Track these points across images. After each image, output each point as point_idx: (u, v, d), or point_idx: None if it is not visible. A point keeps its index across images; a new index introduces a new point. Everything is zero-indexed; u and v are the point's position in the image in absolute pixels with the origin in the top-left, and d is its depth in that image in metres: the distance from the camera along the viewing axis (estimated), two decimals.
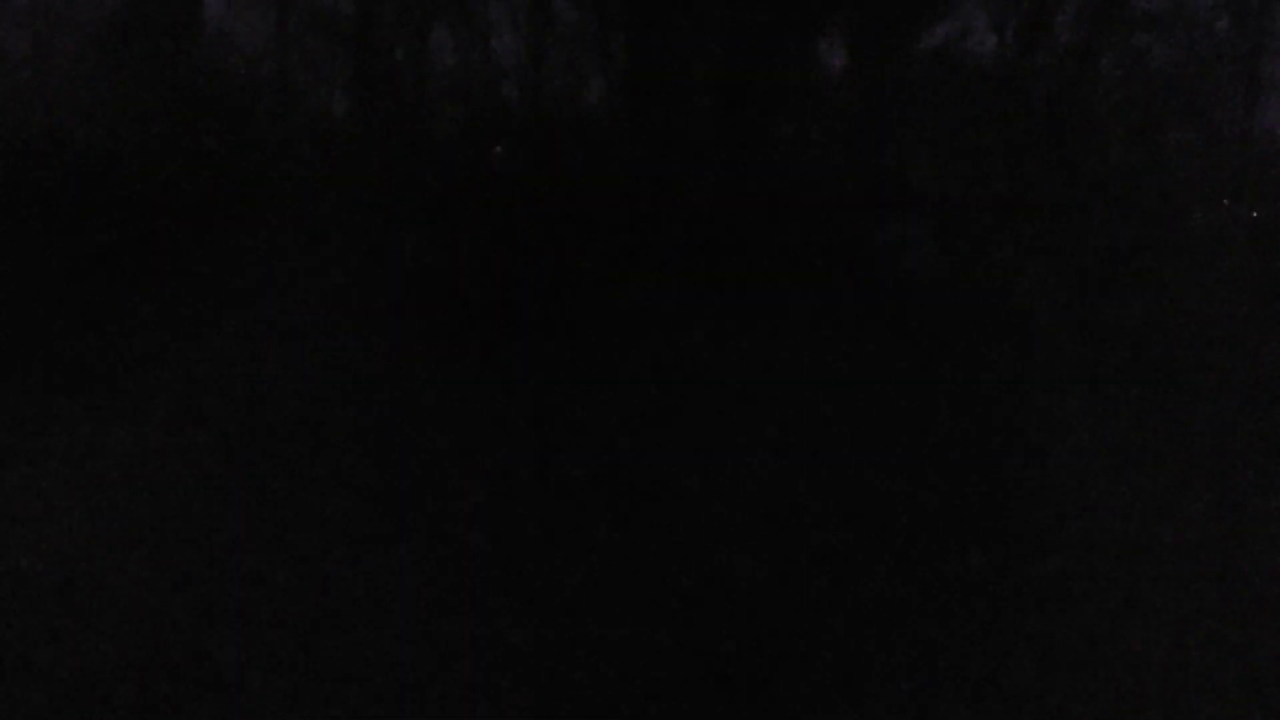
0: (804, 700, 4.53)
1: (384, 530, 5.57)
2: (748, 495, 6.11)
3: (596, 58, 9.96)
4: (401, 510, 5.79)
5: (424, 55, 10.28)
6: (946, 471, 6.33)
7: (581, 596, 5.15)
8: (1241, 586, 5.24)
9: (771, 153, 9.34)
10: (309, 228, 8.56)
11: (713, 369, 7.29)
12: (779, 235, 8.71)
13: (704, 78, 9.31)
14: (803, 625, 5.01)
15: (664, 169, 8.96)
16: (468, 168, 9.76)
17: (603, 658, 4.70)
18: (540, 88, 10.31)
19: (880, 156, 9.29)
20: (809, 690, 4.60)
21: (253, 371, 7.02)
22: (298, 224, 8.57)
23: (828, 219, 9.13)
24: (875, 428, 6.72)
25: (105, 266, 7.96)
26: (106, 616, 4.76)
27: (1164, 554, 5.62)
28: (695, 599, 5.16)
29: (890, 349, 7.27)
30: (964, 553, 5.57)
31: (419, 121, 10.19)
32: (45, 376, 6.89)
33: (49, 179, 8.29)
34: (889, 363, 7.25)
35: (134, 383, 6.91)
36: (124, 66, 9.38)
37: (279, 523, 5.59)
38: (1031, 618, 5.10)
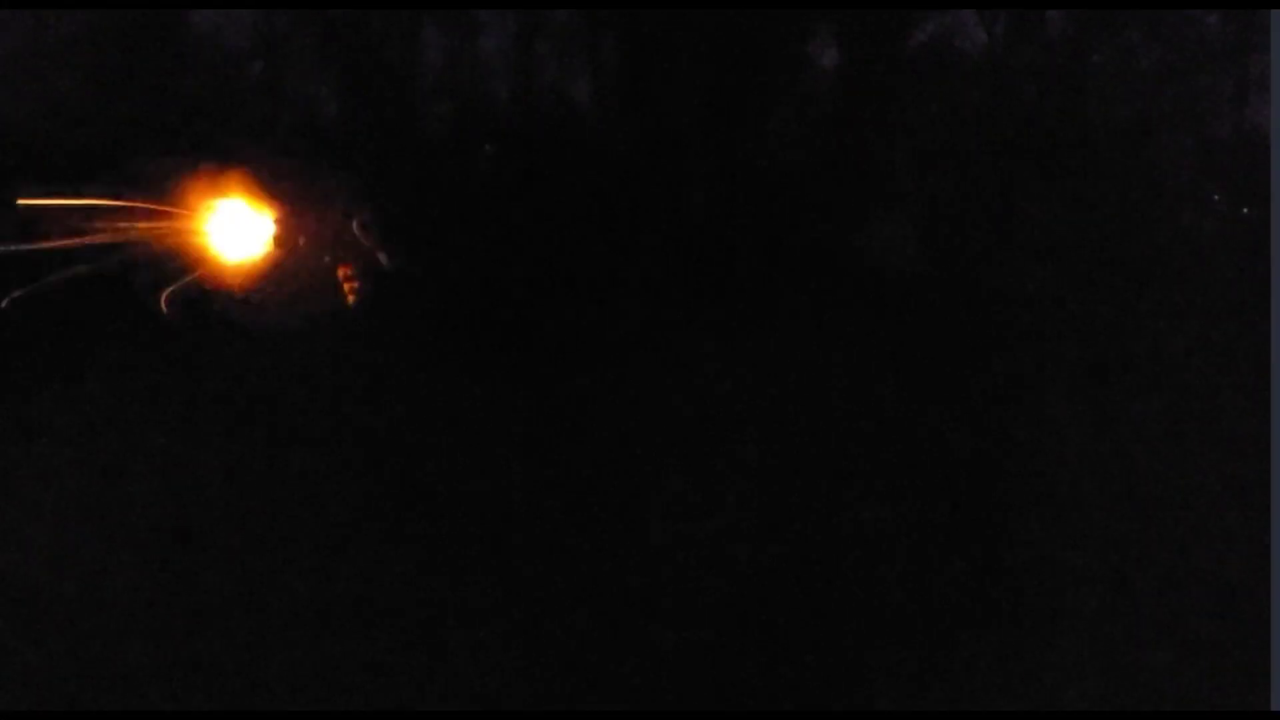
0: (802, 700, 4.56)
1: (380, 533, 5.57)
2: (738, 495, 6.11)
3: (586, 57, 9.96)
4: (397, 513, 5.79)
5: (413, 54, 10.25)
6: (939, 472, 6.34)
7: (578, 598, 5.16)
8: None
9: (761, 152, 9.34)
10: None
11: (702, 368, 7.29)
12: (768, 235, 8.72)
13: (694, 77, 9.30)
14: (795, 627, 5.03)
15: (654, 168, 8.96)
16: (457, 166, 9.74)
17: (600, 659, 4.71)
18: (530, 86, 10.29)
19: (869, 155, 9.30)
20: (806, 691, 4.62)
21: (246, 373, 7.00)
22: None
23: (817, 218, 9.14)
24: (867, 426, 6.73)
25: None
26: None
27: (1155, 555, 5.65)
28: (692, 601, 5.18)
29: (881, 349, 7.29)
30: (958, 554, 5.60)
31: (407, 120, 10.16)
32: (38, 377, 6.85)
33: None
34: (880, 361, 7.27)
35: (129, 384, 6.88)
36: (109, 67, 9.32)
37: (275, 524, 5.59)
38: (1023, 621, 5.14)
